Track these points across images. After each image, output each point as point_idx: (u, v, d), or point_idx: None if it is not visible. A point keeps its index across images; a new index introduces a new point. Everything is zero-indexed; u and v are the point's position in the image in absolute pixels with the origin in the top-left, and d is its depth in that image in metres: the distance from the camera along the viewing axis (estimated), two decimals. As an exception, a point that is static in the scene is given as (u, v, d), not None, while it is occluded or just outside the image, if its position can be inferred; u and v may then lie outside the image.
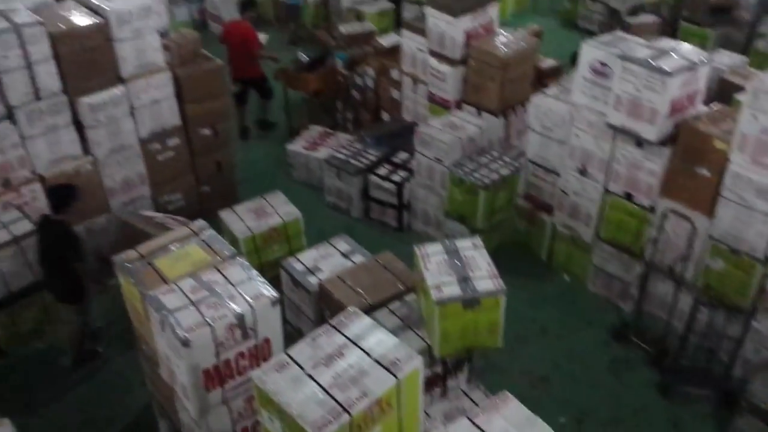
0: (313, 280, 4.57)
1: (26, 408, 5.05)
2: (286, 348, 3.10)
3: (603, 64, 5.39)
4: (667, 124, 5.11)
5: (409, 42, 7.22)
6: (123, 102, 5.90)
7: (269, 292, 3.50)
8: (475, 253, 3.97)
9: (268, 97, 8.51)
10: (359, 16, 10.32)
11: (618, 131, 5.37)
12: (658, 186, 5.36)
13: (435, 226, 6.75)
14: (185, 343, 3.24)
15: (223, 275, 3.59)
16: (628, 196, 5.58)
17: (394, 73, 7.59)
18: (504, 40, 6.77)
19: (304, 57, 8.45)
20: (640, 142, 5.28)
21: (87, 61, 5.65)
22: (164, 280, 3.60)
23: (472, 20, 6.70)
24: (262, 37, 8.41)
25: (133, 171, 6.24)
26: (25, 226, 5.40)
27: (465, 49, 6.73)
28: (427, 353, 3.84)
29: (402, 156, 7.12)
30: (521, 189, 6.50)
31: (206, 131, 6.59)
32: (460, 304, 3.70)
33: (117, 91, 5.84)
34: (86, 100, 5.71)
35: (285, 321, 4.45)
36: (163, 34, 6.33)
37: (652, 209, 5.47)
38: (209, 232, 3.97)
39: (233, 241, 5.16)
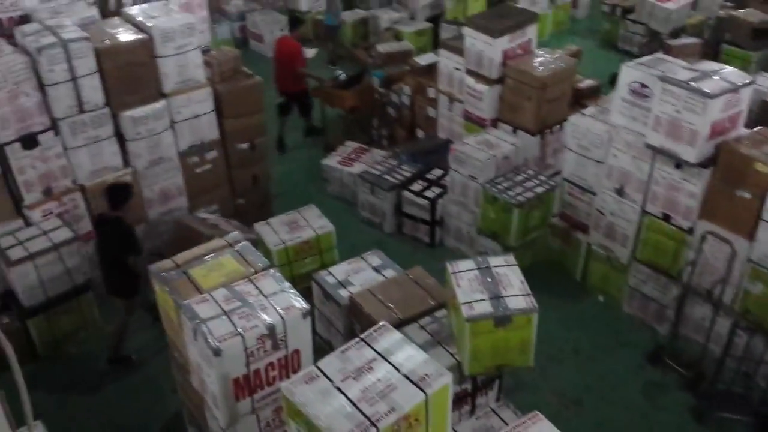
0: (344, 294, 4.57)
1: (59, 412, 5.13)
2: (316, 360, 3.12)
3: (643, 86, 5.36)
4: (708, 146, 5.04)
5: (447, 61, 7.27)
6: (164, 116, 6.03)
7: (300, 304, 3.52)
8: (508, 271, 3.92)
9: (307, 115, 8.64)
10: (397, 36, 10.44)
11: (657, 152, 5.32)
12: (697, 208, 5.27)
13: (467, 242, 6.73)
14: (217, 353, 3.28)
15: (256, 286, 3.63)
16: (666, 218, 5.50)
17: (430, 92, 7.65)
18: (541, 60, 6.78)
19: (341, 74, 8.57)
20: (679, 163, 5.21)
21: (130, 76, 5.79)
22: (198, 290, 3.66)
23: (510, 41, 6.72)
24: (312, 51, 8.52)
25: (171, 183, 6.35)
26: (64, 234, 5.53)
27: (502, 68, 6.75)
28: (457, 370, 3.80)
29: (436, 173, 7.13)
30: (556, 208, 6.46)
31: (243, 145, 6.70)
32: (491, 321, 3.66)
33: (158, 105, 5.96)
34: (128, 114, 5.84)
35: (315, 333, 4.48)
36: (205, 51, 6.49)
37: (690, 231, 5.38)
38: (243, 244, 4.03)
39: (267, 252, 5.20)
